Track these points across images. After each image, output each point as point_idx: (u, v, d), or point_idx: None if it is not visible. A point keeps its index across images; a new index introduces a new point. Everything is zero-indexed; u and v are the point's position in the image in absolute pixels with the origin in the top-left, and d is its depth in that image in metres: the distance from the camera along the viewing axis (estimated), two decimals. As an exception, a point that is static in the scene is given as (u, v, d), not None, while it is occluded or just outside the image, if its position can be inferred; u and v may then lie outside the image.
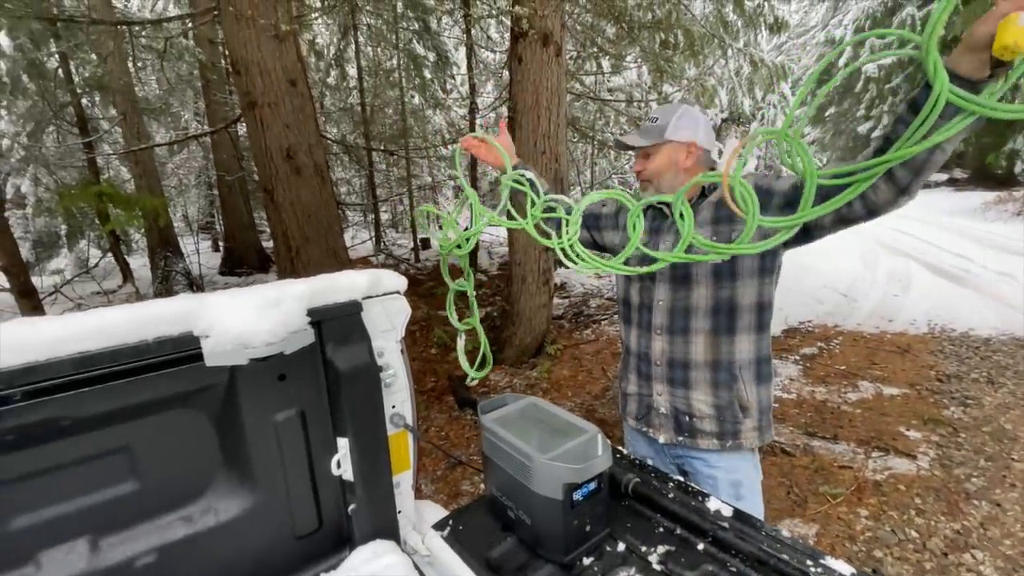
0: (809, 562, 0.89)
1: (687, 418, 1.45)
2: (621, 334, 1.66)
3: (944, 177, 18.69)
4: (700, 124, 1.46)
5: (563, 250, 1.19)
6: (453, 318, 1.58)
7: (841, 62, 16.13)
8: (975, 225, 10.52)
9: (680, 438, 1.47)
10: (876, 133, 17.08)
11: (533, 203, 1.26)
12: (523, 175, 1.37)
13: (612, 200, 1.69)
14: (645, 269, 1.12)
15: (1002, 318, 5.14)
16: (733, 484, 1.43)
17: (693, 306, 1.40)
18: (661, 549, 1.02)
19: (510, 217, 1.33)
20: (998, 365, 4.19)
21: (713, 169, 1.48)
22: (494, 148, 1.49)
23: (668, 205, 1.37)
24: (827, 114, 20.21)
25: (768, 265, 1.36)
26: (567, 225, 1.20)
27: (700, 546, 1.01)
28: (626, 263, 1.16)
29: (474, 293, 1.53)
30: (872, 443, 3.17)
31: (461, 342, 1.58)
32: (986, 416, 3.42)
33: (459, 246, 1.43)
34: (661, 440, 1.50)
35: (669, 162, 1.46)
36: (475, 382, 1.55)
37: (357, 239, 11.49)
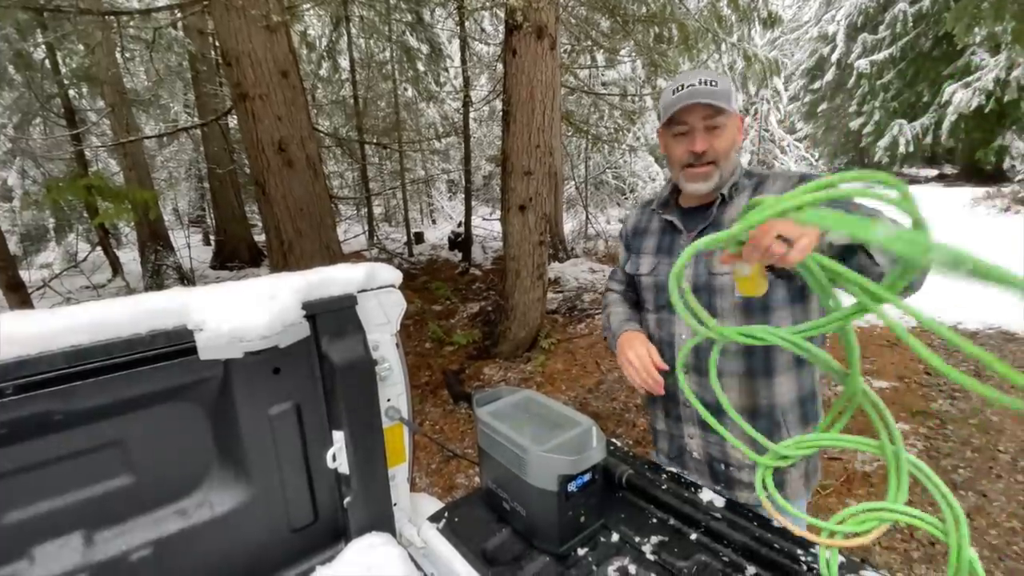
0: (799, 551, 0.90)
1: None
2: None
3: (934, 173, 18.82)
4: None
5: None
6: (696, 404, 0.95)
7: (834, 57, 16.10)
8: (964, 220, 10.61)
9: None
10: (868, 129, 17.18)
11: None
12: None
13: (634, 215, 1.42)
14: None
15: (990, 312, 5.21)
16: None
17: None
18: (655, 539, 1.03)
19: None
20: (985, 358, 4.25)
21: None
22: None
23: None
24: (819, 110, 20.30)
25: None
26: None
27: (693, 536, 1.02)
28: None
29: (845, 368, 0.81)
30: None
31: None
32: (973, 408, 3.47)
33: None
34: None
35: (733, 141, 1.17)
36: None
37: (350, 233, 11.44)
